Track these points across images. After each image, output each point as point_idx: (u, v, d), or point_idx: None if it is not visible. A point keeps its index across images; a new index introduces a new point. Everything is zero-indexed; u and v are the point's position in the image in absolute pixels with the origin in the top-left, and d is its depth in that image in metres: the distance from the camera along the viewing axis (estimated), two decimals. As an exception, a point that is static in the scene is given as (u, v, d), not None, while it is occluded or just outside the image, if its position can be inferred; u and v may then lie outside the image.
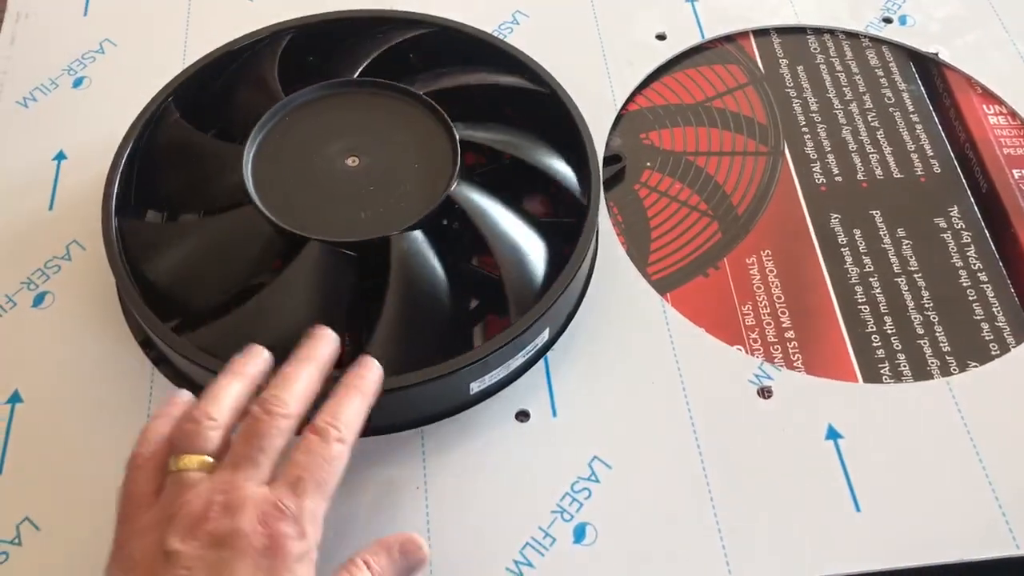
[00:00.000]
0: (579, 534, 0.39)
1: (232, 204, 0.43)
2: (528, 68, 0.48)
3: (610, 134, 0.51)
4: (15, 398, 0.42)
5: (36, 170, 0.49)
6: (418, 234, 0.42)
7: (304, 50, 0.49)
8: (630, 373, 0.43)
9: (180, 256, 0.43)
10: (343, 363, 0.38)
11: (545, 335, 0.43)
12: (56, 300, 0.45)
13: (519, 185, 0.47)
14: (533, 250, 0.43)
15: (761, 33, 0.56)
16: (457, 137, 0.44)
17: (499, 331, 0.40)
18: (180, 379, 0.42)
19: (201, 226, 0.45)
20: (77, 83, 0.52)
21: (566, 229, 0.44)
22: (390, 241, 0.41)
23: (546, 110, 0.47)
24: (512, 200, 0.44)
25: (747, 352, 0.44)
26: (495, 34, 0.51)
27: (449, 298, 0.42)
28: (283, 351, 0.39)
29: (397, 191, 0.43)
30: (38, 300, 0.45)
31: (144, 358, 0.43)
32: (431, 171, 0.43)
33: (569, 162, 0.46)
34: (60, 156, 0.49)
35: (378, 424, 0.41)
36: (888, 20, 0.56)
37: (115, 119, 0.46)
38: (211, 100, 0.48)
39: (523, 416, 0.42)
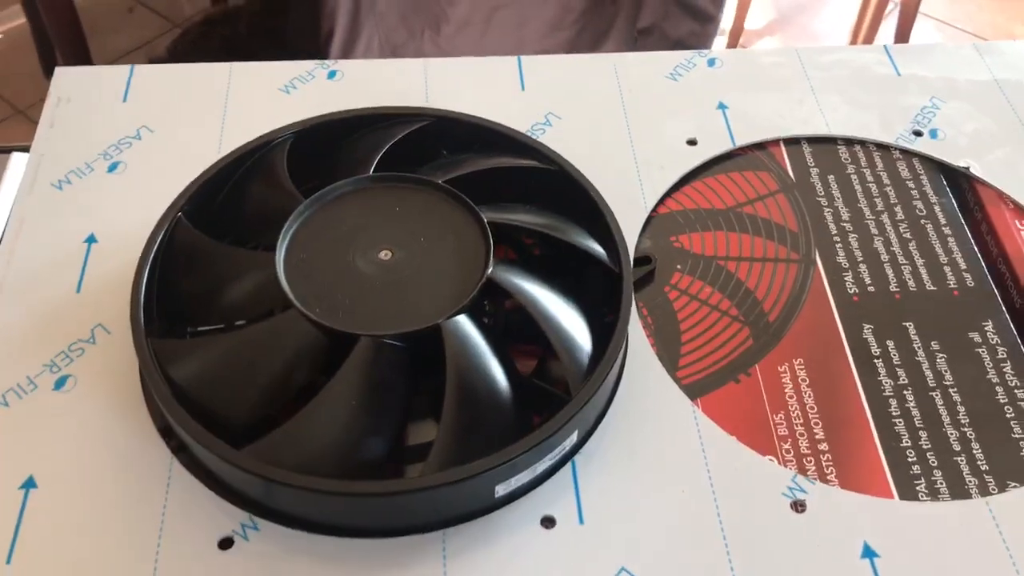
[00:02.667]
0: (606, 650, 0.37)
1: (265, 310, 0.43)
2: (536, 149, 0.49)
3: (640, 236, 0.51)
4: (30, 483, 0.41)
5: (66, 251, 0.49)
6: (465, 318, 0.42)
7: (309, 150, 0.49)
8: (660, 480, 0.42)
9: (217, 367, 0.42)
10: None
11: (574, 437, 0.42)
12: (78, 384, 0.44)
13: (553, 269, 0.47)
14: (578, 325, 0.43)
15: (792, 142, 0.56)
16: (485, 220, 0.44)
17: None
18: (198, 469, 0.41)
19: (238, 335, 0.44)
20: (112, 168, 0.53)
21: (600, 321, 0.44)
22: (440, 328, 0.41)
23: (568, 194, 0.47)
24: (550, 281, 0.44)
25: (780, 463, 0.43)
26: (528, 134, 0.52)
27: (507, 384, 0.41)
28: (335, 465, 0.38)
29: (436, 280, 0.43)
30: (59, 383, 0.44)
31: (163, 446, 0.42)
32: (466, 256, 0.43)
33: (597, 239, 0.46)
34: (91, 239, 0.49)
35: (398, 524, 0.40)
36: (919, 133, 0.57)
37: (148, 205, 0.46)
38: (223, 208, 0.48)
39: (548, 522, 0.41)
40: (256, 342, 0.42)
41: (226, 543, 0.39)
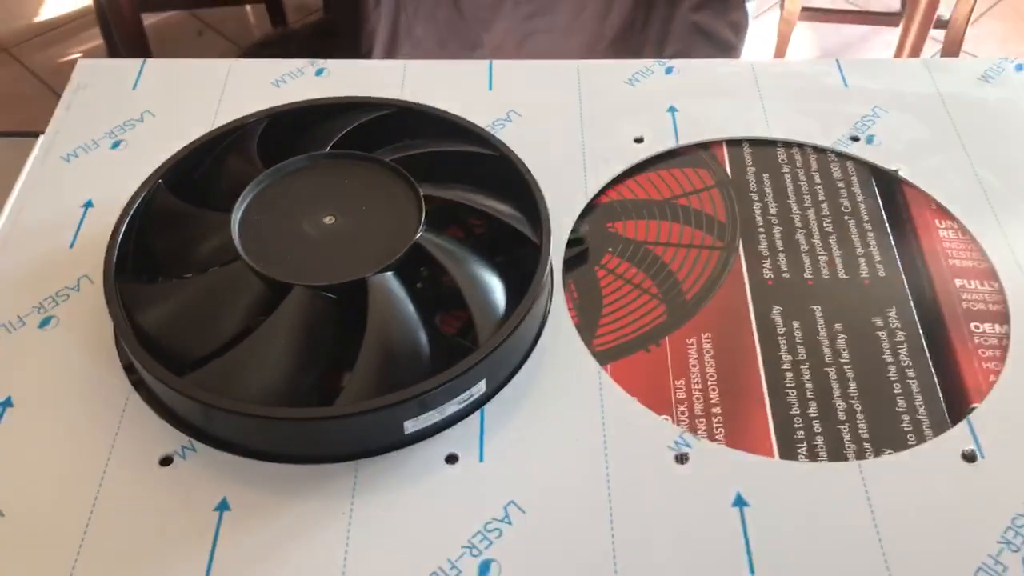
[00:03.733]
0: (483, 569, 0.41)
1: (222, 263, 0.49)
2: (482, 138, 0.54)
3: (578, 220, 0.56)
4: (7, 402, 0.47)
5: (66, 214, 0.56)
6: (391, 275, 0.47)
7: (282, 132, 0.55)
8: (558, 431, 0.46)
9: (176, 309, 0.48)
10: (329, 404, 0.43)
11: (482, 386, 0.46)
12: (60, 324, 0.50)
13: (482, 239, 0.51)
14: (497, 289, 0.48)
15: (734, 143, 0.61)
16: (422, 194, 0.49)
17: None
18: (150, 397, 0.47)
19: (195, 282, 0.50)
20: (115, 145, 0.60)
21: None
22: (367, 282, 0.46)
23: (511, 179, 0.52)
24: (475, 250, 0.49)
25: (674, 422, 0.47)
26: (488, 129, 0.57)
27: (425, 336, 0.46)
28: (270, 393, 0.43)
29: (370, 242, 0.48)
30: (44, 322, 0.50)
31: (125, 380, 0.48)
32: (401, 224, 0.49)
33: (530, 220, 0.50)
34: (88, 204, 0.56)
35: (315, 452, 0.45)
36: (856, 139, 0.60)
37: (141, 177, 0.53)
38: (200, 178, 0.54)
39: (452, 459, 0.45)
40: (207, 288, 0.48)
41: (166, 461, 0.45)
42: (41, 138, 0.62)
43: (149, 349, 0.45)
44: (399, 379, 0.44)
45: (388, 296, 0.47)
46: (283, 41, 1.64)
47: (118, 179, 0.57)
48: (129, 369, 0.48)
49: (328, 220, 0.50)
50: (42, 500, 0.43)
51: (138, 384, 0.48)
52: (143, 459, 0.45)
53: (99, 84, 0.64)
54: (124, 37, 1.43)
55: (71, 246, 0.54)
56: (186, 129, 0.59)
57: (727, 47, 1.17)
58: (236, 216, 0.49)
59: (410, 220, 0.49)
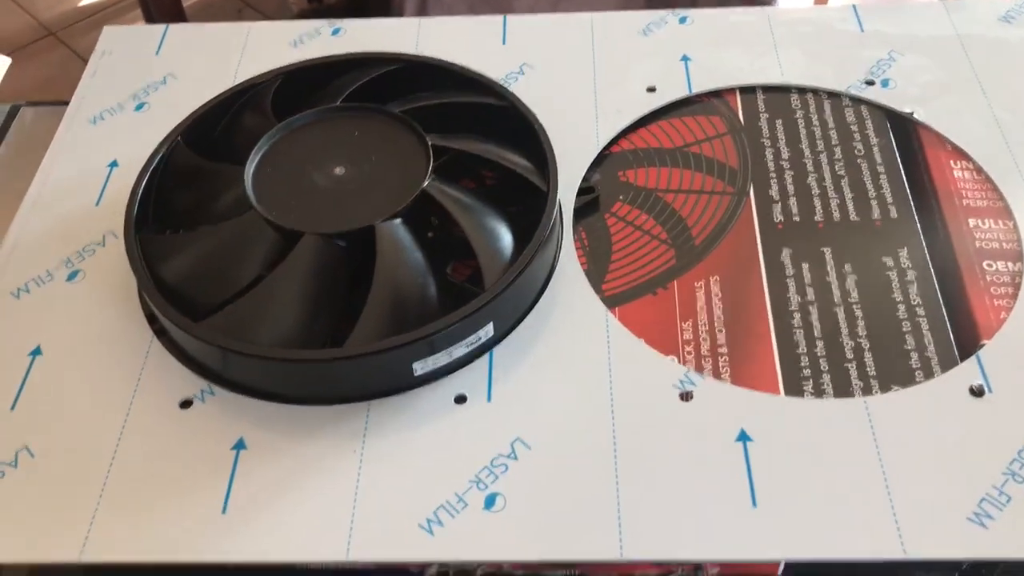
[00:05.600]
0: (489, 502, 0.42)
1: (237, 214, 0.50)
2: (491, 89, 0.54)
3: (589, 170, 0.56)
4: (36, 351, 0.49)
5: (93, 173, 0.57)
6: (399, 223, 0.48)
7: (296, 89, 0.56)
8: (565, 372, 0.47)
9: (193, 260, 0.50)
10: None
11: (490, 329, 0.47)
12: (86, 277, 0.52)
13: (494, 190, 0.52)
14: (505, 237, 0.49)
15: (747, 90, 0.60)
16: (430, 144, 0.50)
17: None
18: (171, 344, 0.48)
19: (211, 233, 0.51)
20: (138, 107, 0.61)
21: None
22: (375, 229, 0.47)
23: (521, 131, 0.53)
24: (485, 199, 0.50)
25: (680, 362, 0.47)
26: (501, 83, 0.57)
27: (433, 282, 0.47)
28: (283, 338, 0.45)
29: (380, 192, 0.49)
30: (72, 276, 0.52)
31: (148, 329, 0.50)
32: (410, 174, 0.50)
33: (534, 164, 0.51)
34: (113, 164, 0.58)
35: (327, 394, 0.46)
36: (871, 83, 0.60)
37: (161, 138, 0.54)
38: (217, 135, 0.56)
39: (461, 400, 0.46)
40: (222, 239, 0.49)
41: (186, 404, 0.47)
42: (71, 102, 0.64)
43: (169, 298, 0.47)
44: (407, 323, 0.46)
45: (396, 242, 0.48)
46: (318, 16, 1.66)
47: (142, 140, 0.58)
48: (151, 319, 0.50)
49: (339, 171, 0.51)
50: (70, 440, 0.45)
51: (160, 333, 0.49)
52: (164, 402, 0.46)
53: (123, 50, 0.66)
54: (165, 18, 1.46)
55: (97, 204, 0.56)
56: (206, 90, 0.61)
57: (762, 1, 1.16)
58: (249, 168, 0.50)
59: (418, 169, 0.50)
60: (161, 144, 0.53)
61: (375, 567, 0.48)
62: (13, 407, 0.47)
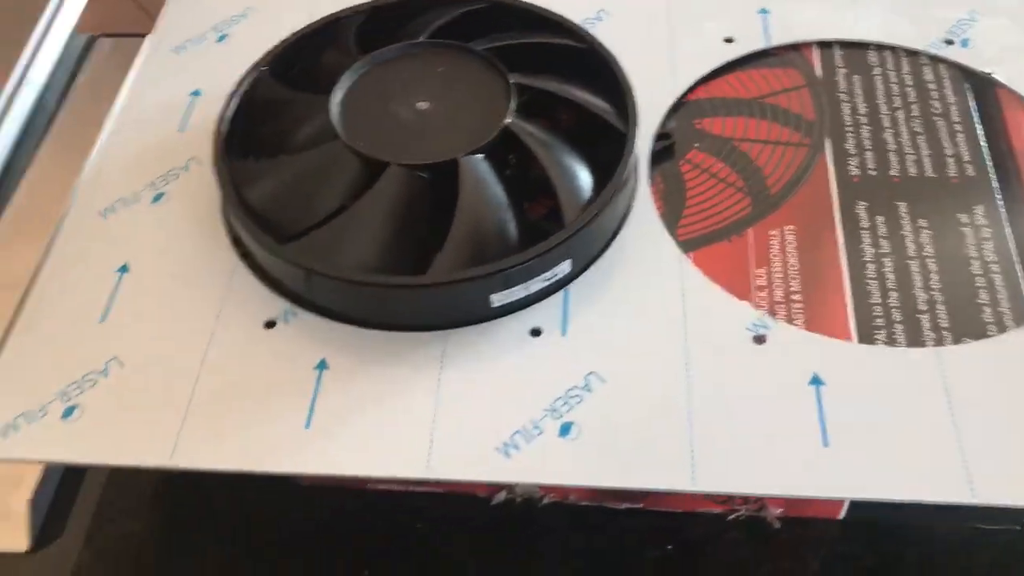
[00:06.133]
0: (564, 430, 0.43)
1: (320, 144, 0.51)
2: (572, 30, 0.55)
3: (666, 117, 0.57)
4: (124, 269, 0.50)
5: (176, 101, 0.59)
6: (481, 158, 0.49)
7: (379, 26, 0.57)
8: (639, 310, 0.48)
9: (278, 187, 0.51)
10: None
11: (567, 266, 0.48)
12: (171, 200, 0.54)
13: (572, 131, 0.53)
14: (584, 176, 0.49)
15: (825, 45, 0.60)
16: (512, 82, 0.50)
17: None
18: (255, 267, 0.50)
19: (296, 161, 0.53)
20: (220, 39, 0.62)
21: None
22: (458, 162, 0.48)
23: (599, 72, 0.53)
24: (564, 138, 0.51)
25: (753, 307, 0.48)
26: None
27: (512, 217, 0.48)
28: (364, 265, 0.46)
29: (462, 127, 0.50)
30: (157, 198, 0.54)
31: (232, 252, 0.51)
32: (492, 110, 0.50)
33: (613, 107, 0.52)
34: (196, 92, 0.59)
35: (405, 321, 0.47)
36: (950, 42, 0.59)
37: (243, 70, 0.55)
38: (300, 68, 0.56)
39: (535, 333, 0.47)
40: (306, 167, 0.50)
41: (270, 324, 0.48)
42: (152, 33, 0.65)
43: (255, 222, 0.48)
44: (486, 256, 0.46)
45: (478, 177, 0.48)
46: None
47: (224, 70, 0.59)
48: (236, 242, 0.51)
49: (421, 105, 0.51)
50: (157, 353, 0.47)
51: (244, 256, 0.51)
52: (248, 322, 0.48)
53: (205, -18, 0.66)
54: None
55: (180, 130, 0.57)
56: (287, 24, 0.62)
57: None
58: (334, 100, 0.51)
59: (500, 107, 0.51)
60: (248, 72, 0.54)
61: (444, 491, 0.49)
62: (103, 319, 0.48)
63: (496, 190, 0.49)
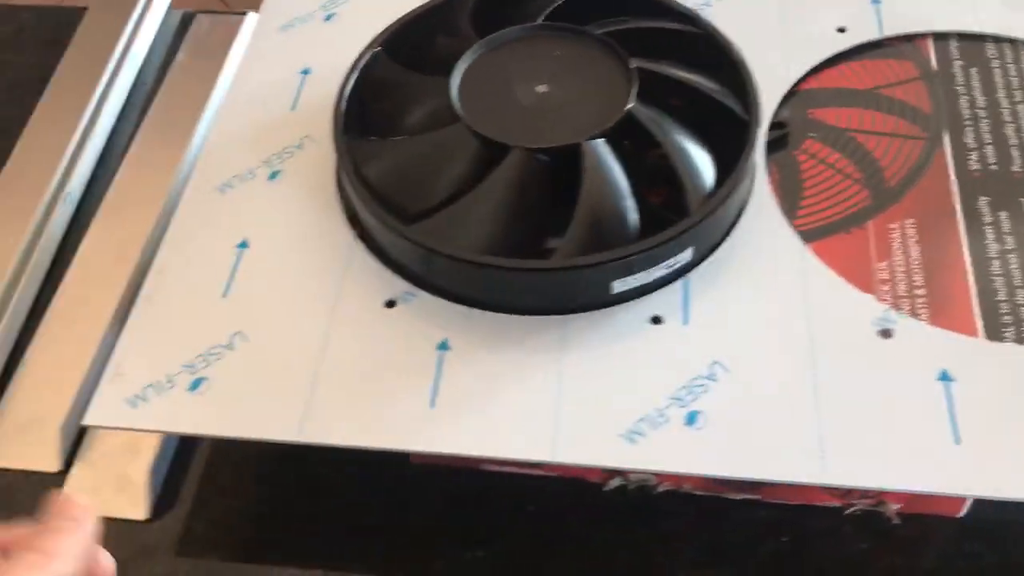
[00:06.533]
0: (690, 419, 0.43)
1: (438, 125, 0.51)
2: (689, 17, 0.55)
3: (780, 106, 0.56)
4: (243, 244, 0.51)
5: (287, 79, 0.59)
6: (603, 142, 0.49)
7: (492, 7, 0.56)
8: (761, 299, 0.47)
9: (397, 167, 0.51)
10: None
11: (688, 254, 0.48)
12: (287, 177, 0.54)
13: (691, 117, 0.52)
14: (706, 162, 0.49)
15: (940, 37, 0.59)
16: (632, 65, 0.50)
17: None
18: (374, 247, 0.50)
19: (415, 141, 0.53)
20: (328, 17, 0.63)
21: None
22: (580, 147, 0.48)
23: (716, 58, 0.53)
24: (685, 124, 0.50)
25: (877, 300, 0.47)
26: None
27: (633, 204, 0.48)
28: (484, 246, 0.46)
29: (583, 111, 0.50)
30: (273, 175, 0.54)
31: (349, 231, 0.51)
32: (613, 95, 0.50)
33: (736, 98, 0.51)
34: (306, 71, 0.59)
35: (526, 304, 0.47)
36: (1071, 35, 0.58)
37: (355, 47, 0.55)
38: (414, 48, 0.56)
39: (656, 320, 0.47)
40: (427, 148, 0.51)
41: (391, 304, 0.48)
42: (258, 11, 0.65)
43: (378, 203, 0.48)
44: (608, 243, 0.46)
45: (601, 162, 0.48)
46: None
47: (333, 49, 0.60)
48: (353, 221, 0.51)
49: (541, 89, 0.51)
50: (280, 328, 0.47)
51: (361, 235, 0.51)
52: (369, 300, 0.48)
53: (311, -39, 0.67)
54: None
55: (292, 109, 0.58)
56: (394, 2, 0.62)
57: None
58: (454, 81, 0.51)
59: (621, 91, 0.50)
60: (364, 51, 0.55)
61: (556, 474, 0.49)
62: (225, 295, 0.49)
63: (618, 175, 0.48)
